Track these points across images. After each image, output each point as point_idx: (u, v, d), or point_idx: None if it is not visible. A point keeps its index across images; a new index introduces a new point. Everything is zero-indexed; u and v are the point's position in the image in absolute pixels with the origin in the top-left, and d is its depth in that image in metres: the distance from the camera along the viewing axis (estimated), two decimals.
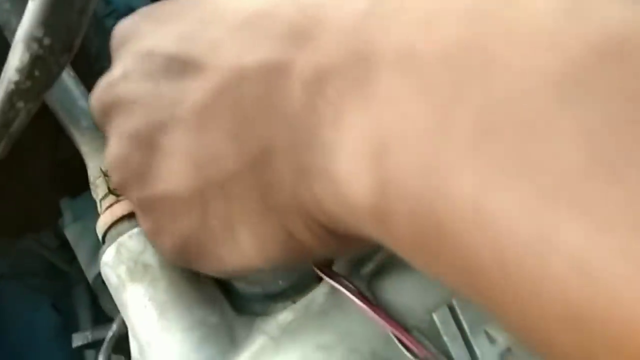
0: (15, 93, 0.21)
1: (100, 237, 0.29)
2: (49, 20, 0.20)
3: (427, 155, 0.14)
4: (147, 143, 0.23)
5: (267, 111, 0.19)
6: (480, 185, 0.13)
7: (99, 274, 0.45)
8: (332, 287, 0.25)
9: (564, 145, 0.12)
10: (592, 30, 0.13)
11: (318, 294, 0.26)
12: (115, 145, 0.24)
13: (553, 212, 0.12)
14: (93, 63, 0.37)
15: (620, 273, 0.11)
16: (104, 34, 0.31)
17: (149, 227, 0.25)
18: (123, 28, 0.25)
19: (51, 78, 0.21)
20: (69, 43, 0.20)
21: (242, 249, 0.22)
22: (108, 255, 0.27)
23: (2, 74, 0.21)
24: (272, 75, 0.19)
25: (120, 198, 0.29)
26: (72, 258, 0.58)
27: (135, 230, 0.27)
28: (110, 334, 0.33)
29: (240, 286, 0.27)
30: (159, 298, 0.26)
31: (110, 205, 0.29)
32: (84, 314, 0.53)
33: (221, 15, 0.22)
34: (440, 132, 0.14)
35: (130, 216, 0.28)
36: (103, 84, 0.25)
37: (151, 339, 0.26)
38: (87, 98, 0.31)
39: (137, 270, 0.27)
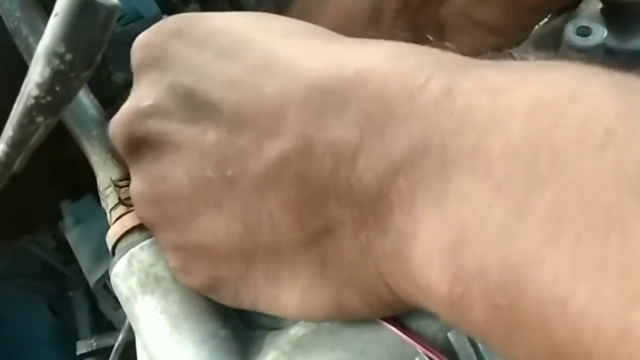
0: (35, 108, 0.20)
1: (110, 248, 0.29)
2: (71, 35, 0.20)
3: (505, 247, 0.15)
4: (188, 190, 0.22)
5: (332, 190, 0.19)
6: (562, 276, 0.14)
7: (100, 279, 0.45)
8: None
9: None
10: None
11: None
12: (146, 184, 0.24)
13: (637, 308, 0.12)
14: (100, 69, 0.36)
15: None
16: (112, 39, 0.31)
17: (182, 265, 0.25)
18: (148, 44, 0.24)
19: (72, 93, 0.21)
20: (90, 58, 0.20)
21: (283, 307, 0.23)
22: (119, 267, 0.27)
23: (22, 87, 0.21)
24: (341, 156, 0.19)
25: (131, 209, 0.29)
26: (69, 260, 0.58)
27: (147, 241, 0.27)
28: (117, 343, 0.33)
29: None
30: (171, 311, 0.26)
31: (121, 216, 0.29)
32: (82, 319, 0.53)
33: (278, 67, 0.20)
34: (516, 224, 0.15)
35: (141, 227, 0.28)
36: (131, 113, 0.23)
37: (162, 351, 0.26)
38: (96, 106, 0.31)
39: (149, 283, 0.26)
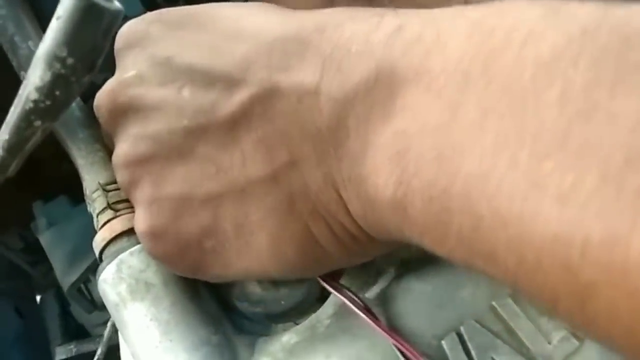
0: (34, 111, 0.20)
1: (97, 253, 0.28)
2: (74, 40, 0.19)
3: (440, 144, 0.17)
4: (167, 144, 0.24)
5: (297, 126, 0.21)
6: (485, 162, 0.16)
7: (75, 283, 0.44)
8: (338, 309, 0.26)
9: (548, 112, 0.15)
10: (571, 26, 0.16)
11: (323, 316, 0.26)
12: (129, 145, 0.24)
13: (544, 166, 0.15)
14: None
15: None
16: None
17: (150, 225, 0.25)
18: (131, 30, 0.25)
19: (71, 97, 0.20)
20: (92, 63, 0.20)
21: (256, 251, 0.23)
22: (108, 273, 0.27)
23: (20, 91, 0.20)
24: (303, 95, 0.21)
25: (119, 213, 0.28)
26: (36, 261, 0.57)
27: (137, 247, 0.27)
28: (99, 351, 0.32)
29: (243, 306, 0.27)
30: (162, 317, 0.26)
31: (109, 221, 0.28)
32: (53, 323, 0.52)
33: (246, 33, 0.23)
34: (450, 122, 0.17)
35: (129, 232, 0.28)
36: (114, 84, 0.25)
37: (153, 359, 0.25)
38: (81, 108, 0.31)
39: (139, 289, 0.26)
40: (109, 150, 0.30)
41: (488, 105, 0.16)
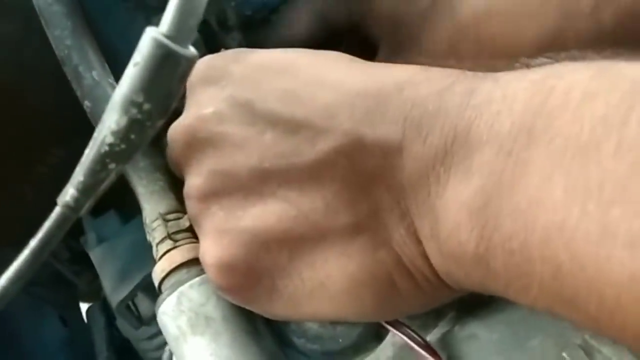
0: (109, 155, 0.20)
1: (156, 283, 0.29)
2: (151, 86, 0.19)
3: (516, 199, 0.18)
4: (246, 182, 0.24)
5: (380, 180, 0.22)
6: (559, 213, 0.17)
7: (123, 300, 0.45)
8: (397, 351, 0.26)
9: (608, 164, 0.16)
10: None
11: (382, 357, 0.26)
12: (205, 179, 0.25)
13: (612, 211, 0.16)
14: None
15: None
16: None
17: (221, 256, 0.25)
18: (209, 66, 0.26)
19: (145, 141, 0.20)
20: (167, 108, 0.20)
21: (332, 295, 0.23)
22: (168, 305, 0.27)
23: (95, 134, 0.21)
24: (388, 149, 0.22)
25: (179, 244, 0.28)
26: (81, 270, 0.58)
27: (197, 279, 0.27)
28: None
29: (300, 342, 0.27)
30: (222, 353, 0.26)
31: (168, 251, 0.28)
32: (98, 336, 0.52)
33: (327, 83, 0.23)
34: (522, 178, 0.18)
35: (189, 264, 0.28)
36: (192, 119, 0.26)
37: None
38: None
39: (199, 323, 0.26)
40: (169, 180, 0.30)
41: (553, 160, 0.17)
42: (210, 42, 0.37)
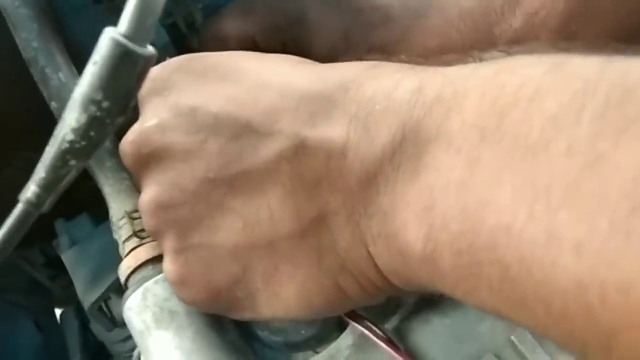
0: (69, 151, 0.21)
1: (122, 280, 0.29)
2: (110, 85, 0.20)
3: (463, 199, 0.18)
4: (192, 195, 0.24)
5: (325, 182, 0.22)
6: (506, 215, 0.16)
7: (96, 302, 0.45)
8: (357, 339, 0.26)
9: (557, 165, 0.15)
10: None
11: (343, 345, 0.27)
12: (154, 192, 0.25)
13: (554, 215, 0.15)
14: None
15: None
16: None
17: (179, 273, 0.25)
18: (153, 77, 0.26)
19: (104, 138, 0.21)
20: (125, 105, 0.21)
21: (284, 300, 0.24)
22: (133, 300, 0.28)
23: (56, 131, 0.21)
24: (332, 152, 0.22)
25: (144, 241, 0.29)
26: (55, 275, 0.58)
27: (161, 275, 0.28)
28: None
29: (264, 335, 0.28)
30: (186, 346, 0.26)
31: (134, 248, 0.29)
32: (72, 339, 0.53)
33: (271, 85, 0.23)
34: (470, 177, 0.18)
35: (154, 260, 0.28)
36: (137, 132, 0.25)
37: None
38: (110, 138, 0.31)
39: (164, 317, 0.27)
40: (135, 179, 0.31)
41: (503, 160, 0.17)
42: (179, 44, 0.37)
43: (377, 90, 0.21)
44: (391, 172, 0.20)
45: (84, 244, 0.46)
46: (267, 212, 0.23)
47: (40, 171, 0.21)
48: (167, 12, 0.37)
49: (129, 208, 0.30)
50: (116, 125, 0.21)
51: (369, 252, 0.22)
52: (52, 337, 0.59)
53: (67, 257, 0.46)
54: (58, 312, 0.63)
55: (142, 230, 0.29)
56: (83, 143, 0.21)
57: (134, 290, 0.28)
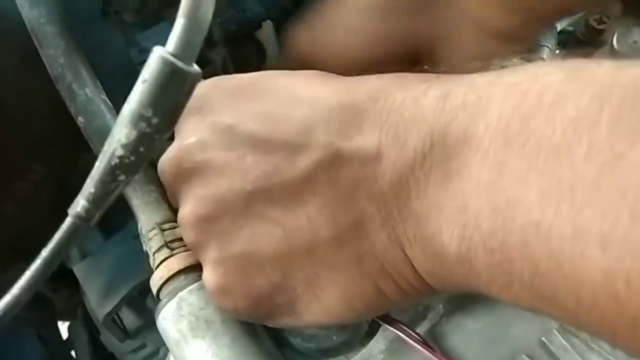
0: (119, 167, 0.21)
1: (155, 291, 0.30)
2: (159, 101, 0.21)
3: (493, 199, 0.19)
4: (232, 207, 0.25)
5: (361, 189, 0.23)
6: (534, 213, 0.18)
7: (109, 313, 0.45)
8: (389, 343, 0.27)
9: (579, 165, 0.17)
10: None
11: (375, 350, 0.27)
12: (194, 206, 0.26)
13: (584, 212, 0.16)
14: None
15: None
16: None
17: (220, 283, 0.26)
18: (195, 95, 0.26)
19: (153, 153, 0.22)
20: (173, 121, 0.21)
21: (326, 305, 0.25)
22: (168, 310, 0.28)
23: (105, 147, 0.22)
24: (366, 160, 0.23)
25: (176, 252, 0.29)
26: (58, 288, 0.58)
27: (195, 285, 0.28)
28: None
29: (296, 341, 0.29)
30: (223, 354, 0.27)
31: (165, 259, 0.29)
32: (82, 351, 0.53)
33: (302, 101, 0.24)
34: (499, 178, 0.19)
35: (187, 270, 0.29)
36: (178, 148, 0.26)
37: None
38: None
39: (200, 326, 0.27)
40: (162, 191, 0.31)
41: (528, 161, 0.18)
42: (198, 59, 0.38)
43: (405, 99, 0.22)
44: (423, 177, 0.21)
45: (95, 256, 0.46)
46: (305, 220, 0.24)
47: (90, 186, 0.22)
48: None
49: (158, 219, 0.30)
50: (164, 140, 0.22)
51: (405, 255, 0.23)
52: (56, 350, 0.59)
53: (79, 270, 0.47)
54: (60, 325, 0.62)
55: (172, 241, 0.30)
56: (132, 158, 0.21)
57: (168, 300, 0.28)
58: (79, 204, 0.22)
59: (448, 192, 0.21)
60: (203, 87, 0.27)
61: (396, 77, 0.24)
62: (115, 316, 0.47)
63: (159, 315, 0.29)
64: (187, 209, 0.26)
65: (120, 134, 0.21)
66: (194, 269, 0.29)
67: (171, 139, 0.28)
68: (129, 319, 0.49)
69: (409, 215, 0.22)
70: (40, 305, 0.61)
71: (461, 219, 0.20)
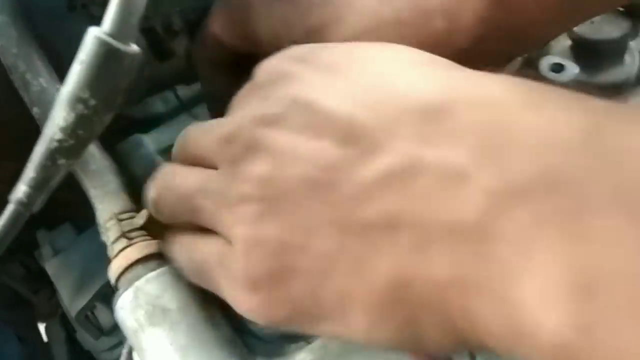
0: (58, 151, 0.21)
1: (113, 281, 0.29)
2: (96, 82, 0.20)
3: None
4: (283, 192, 0.22)
5: (434, 210, 0.19)
6: None
7: (82, 310, 0.45)
8: None
9: None
10: None
11: None
12: (254, 186, 0.22)
13: None
14: None
15: None
16: None
17: (256, 274, 0.22)
18: (276, 66, 0.25)
19: (93, 136, 0.21)
20: (112, 103, 0.21)
21: (350, 326, 0.21)
22: (125, 300, 0.28)
23: (44, 130, 0.21)
24: (448, 176, 0.18)
25: (134, 241, 0.29)
26: (38, 288, 0.57)
27: (152, 274, 0.28)
28: None
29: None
30: (180, 341, 0.26)
31: (123, 249, 0.29)
32: (59, 350, 0.52)
33: (394, 89, 0.21)
34: None
35: (144, 259, 0.29)
36: (237, 124, 0.23)
37: None
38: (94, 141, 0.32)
39: (156, 314, 0.27)
40: (120, 181, 0.31)
41: None
42: (156, 48, 0.38)
43: (522, 117, 0.18)
44: (523, 220, 0.17)
45: (67, 252, 0.46)
46: (365, 228, 0.20)
47: (30, 171, 0.22)
48: (144, 16, 0.37)
49: (116, 209, 0.30)
50: (103, 123, 0.21)
51: (463, 300, 0.18)
52: (36, 350, 0.59)
53: (51, 266, 0.46)
54: (41, 326, 0.62)
55: (130, 231, 0.29)
56: (71, 142, 0.21)
57: (125, 290, 0.28)
58: (20, 190, 0.22)
59: (565, 256, 0.16)
60: (290, 58, 0.24)
61: (511, 81, 0.20)
62: (90, 313, 0.46)
63: (116, 305, 0.28)
64: (243, 187, 0.22)
65: (58, 117, 0.21)
66: (152, 258, 0.28)
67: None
68: (104, 316, 0.49)
69: (492, 261, 0.17)
70: (20, 307, 0.61)
71: (582, 304, 0.15)
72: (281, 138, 0.22)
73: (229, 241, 0.23)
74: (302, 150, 0.21)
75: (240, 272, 0.22)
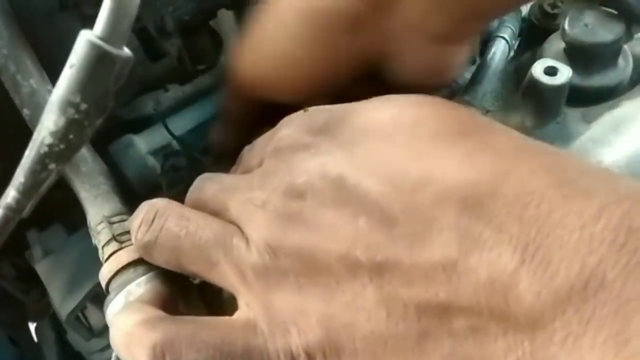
0: (48, 155, 0.21)
1: (103, 284, 0.29)
2: (87, 87, 0.20)
3: None
4: (336, 269, 0.21)
5: (484, 303, 0.19)
6: None
7: (73, 311, 0.45)
8: None
9: None
10: None
11: None
12: (294, 258, 0.22)
13: None
14: None
15: None
16: None
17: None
18: (298, 133, 0.24)
19: (84, 140, 0.21)
20: (103, 107, 0.21)
21: None
22: (116, 304, 0.27)
23: (35, 135, 0.21)
24: (498, 274, 0.18)
25: (124, 245, 0.29)
26: (28, 288, 0.57)
27: (143, 278, 0.28)
28: None
29: None
30: None
31: (114, 252, 0.29)
32: (49, 351, 0.52)
33: (431, 173, 0.21)
34: None
35: (135, 263, 0.28)
36: (283, 186, 0.23)
37: None
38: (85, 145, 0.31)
39: None
40: (111, 184, 0.31)
41: None
42: (148, 48, 0.37)
43: (570, 215, 0.18)
44: (577, 325, 0.17)
45: (58, 253, 0.46)
46: (414, 310, 0.20)
47: (20, 176, 0.21)
48: (136, 17, 0.37)
49: (107, 212, 0.30)
50: (94, 127, 0.21)
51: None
52: (27, 350, 0.58)
53: (41, 268, 0.46)
54: (32, 326, 0.62)
55: (121, 234, 0.29)
56: (62, 146, 0.21)
57: (116, 294, 0.28)
58: (9, 195, 0.22)
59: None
60: (312, 126, 0.24)
61: (557, 174, 0.19)
62: (80, 314, 0.46)
63: (107, 310, 0.28)
64: (273, 259, 0.22)
65: (48, 121, 0.21)
66: (143, 262, 0.28)
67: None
68: (95, 317, 0.48)
69: (545, 358, 0.17)
70: (11, 307, 0.60)
71: None
72: (318, 211, 0.22)
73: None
74: (341, 227, 0.21)
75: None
